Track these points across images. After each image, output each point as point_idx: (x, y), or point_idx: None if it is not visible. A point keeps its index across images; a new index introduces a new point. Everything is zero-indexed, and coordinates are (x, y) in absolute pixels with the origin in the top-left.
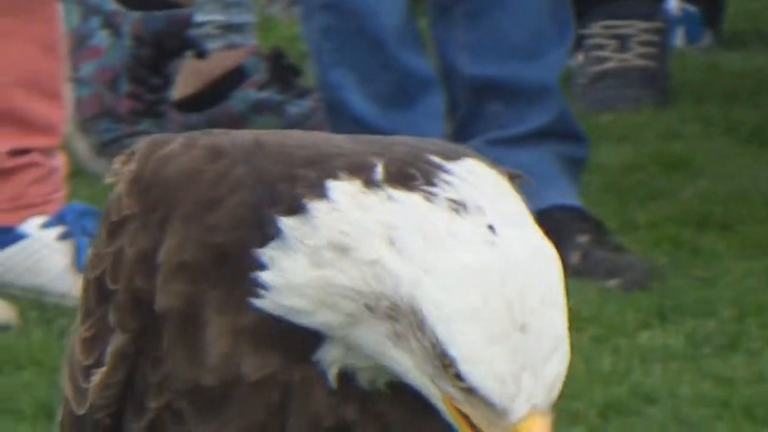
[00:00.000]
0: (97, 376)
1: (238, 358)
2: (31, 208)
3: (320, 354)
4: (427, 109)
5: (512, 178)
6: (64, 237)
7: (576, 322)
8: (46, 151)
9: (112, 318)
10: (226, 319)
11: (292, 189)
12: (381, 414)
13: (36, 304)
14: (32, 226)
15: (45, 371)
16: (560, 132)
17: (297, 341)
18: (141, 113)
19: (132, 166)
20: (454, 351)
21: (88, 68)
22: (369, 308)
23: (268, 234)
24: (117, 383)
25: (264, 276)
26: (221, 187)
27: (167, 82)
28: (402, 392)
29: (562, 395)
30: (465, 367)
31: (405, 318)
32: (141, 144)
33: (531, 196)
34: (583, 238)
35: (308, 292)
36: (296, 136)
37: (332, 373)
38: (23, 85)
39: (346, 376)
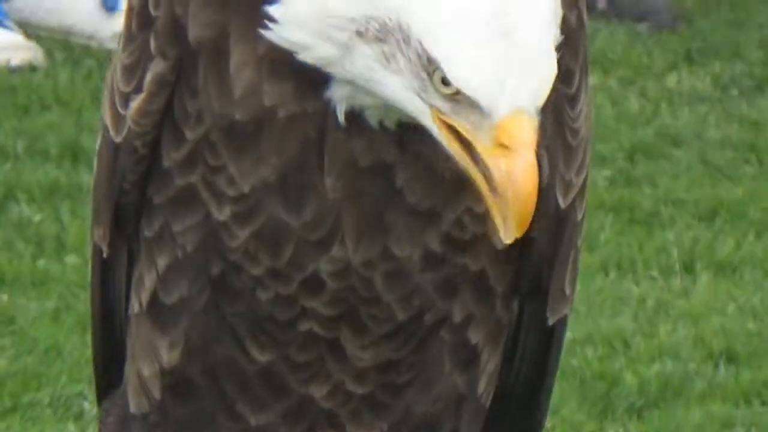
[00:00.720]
0: (136, 102)
1: (260, 88)
2: None
3: (330, 92)
4: None
5: None
6: None
7: (604, 64)
8: None
9: (152, 44)
10: (248, 47)
11: None
12: (421, 154)
13: (63, 45)
14: None
15: (71, 111)
16: None
17: (309, 76)
18: None
19: None
20: (439, 53)
21: None
22: (360, 34)
23: None
24: (155, 111)
25: (272, 9)
26: None
27: None
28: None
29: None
30: (450, 69)
31: (392, 36)
32: None
33: None
34: None
35: (308, 24)
36: None
37: (341, 111)
38: None
39: (356, 115)
